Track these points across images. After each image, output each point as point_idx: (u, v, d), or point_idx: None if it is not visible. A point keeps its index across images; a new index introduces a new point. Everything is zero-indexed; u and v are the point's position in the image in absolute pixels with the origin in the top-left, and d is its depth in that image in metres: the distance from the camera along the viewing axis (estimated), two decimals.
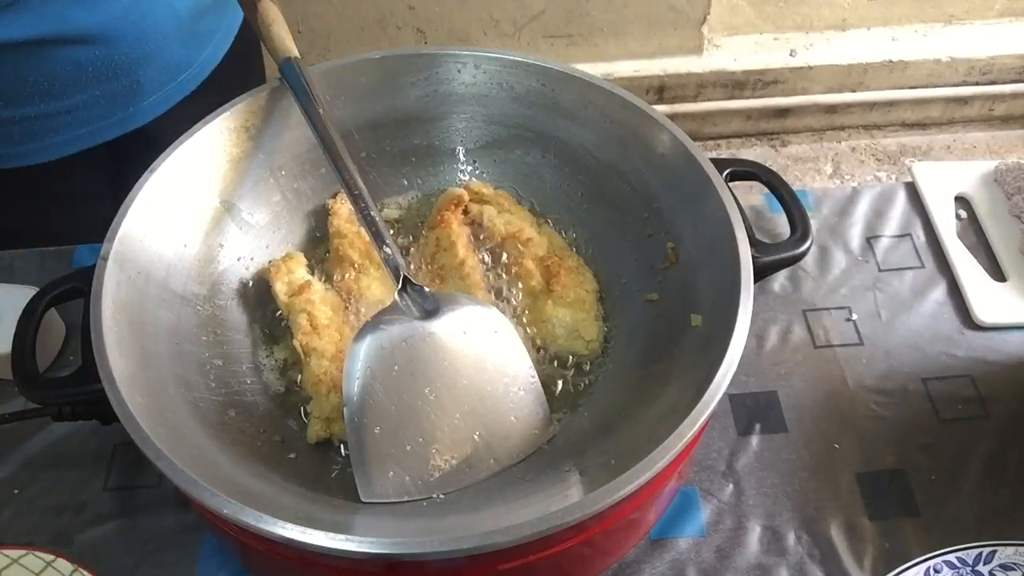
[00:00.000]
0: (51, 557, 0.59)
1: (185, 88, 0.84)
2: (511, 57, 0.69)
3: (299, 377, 0.62)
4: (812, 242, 0.62)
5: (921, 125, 2.06)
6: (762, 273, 0.59)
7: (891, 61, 1.92)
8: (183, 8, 0.81)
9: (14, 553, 0.59)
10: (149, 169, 0.60)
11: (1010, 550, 0.59)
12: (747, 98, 1.96)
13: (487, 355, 0.58)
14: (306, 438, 0.60)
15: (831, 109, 2.00)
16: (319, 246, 0.70)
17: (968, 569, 0.58)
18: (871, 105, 2.00)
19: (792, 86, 1.95)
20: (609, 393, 0.62)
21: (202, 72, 0.85)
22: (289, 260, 0.67)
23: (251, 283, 0.67)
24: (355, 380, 0.55)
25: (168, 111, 0.83)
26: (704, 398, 0.49)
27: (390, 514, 0.54)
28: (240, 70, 0.90)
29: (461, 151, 0.74)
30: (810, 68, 1.91)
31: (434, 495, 0.55)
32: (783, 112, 2.00)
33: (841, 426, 0.68)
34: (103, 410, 0.51)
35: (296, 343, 0.62)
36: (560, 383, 0.63)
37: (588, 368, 0.64)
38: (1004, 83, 1.98)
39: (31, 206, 0.85)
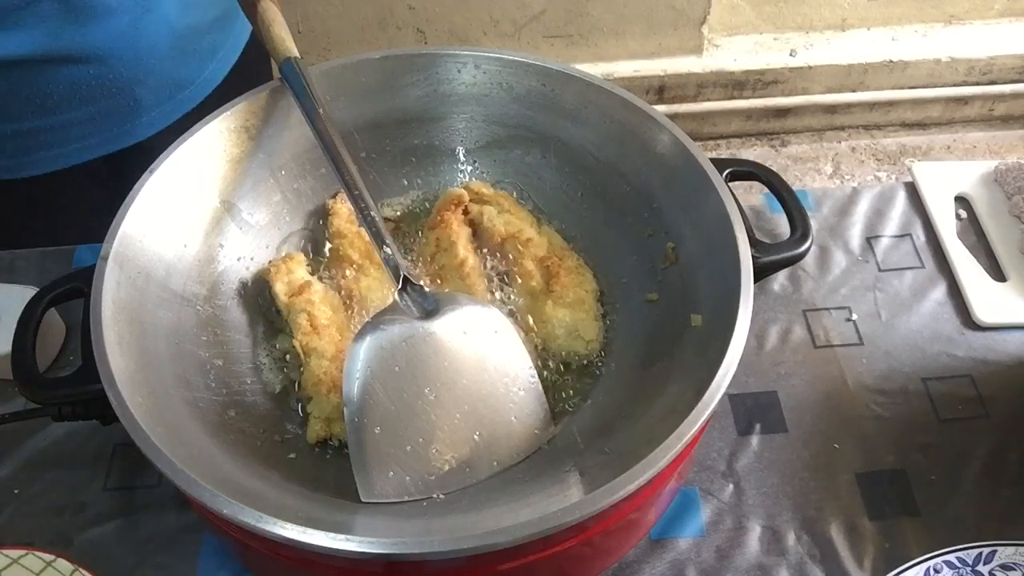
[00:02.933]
0: (51, 557, 0.59)
1: (185, 106, 0.83)
2: (511, 57, 0.69)
3: (299, 377, 0.62)
4: (812, 242, 0.62)
5: (921, 125, 2.06)
6: (762, 273, 0.59)
7: (891, 61, 1.92)
8: (181, 26, 0.80)
9: (14, 553, 0.59)
10: (149, 169, 0.60)
11: (1010, 550, 0.59)
12: (747, 98, 1.96)
13: (487, 355, 0.58)
14: (306, 438, 0.60)
15: (831, 109, 2.00)
16: (319, 246, 0.70)
17: (968, 569, 0.58)
18: (871, 105, 2.00)
19: (792, 86, 1.95)
20: (609, 393, 0.62)
21: (205, 89, 0.84)
22: (289, 260, 0.67)
23: (251, 283, 0.67)
24: (355, 380, 0.55)
25: (169, 126, 0.82)
26: (704, 398, 0.49)
27: (390, 514, 0.54)
28: (247, 86, 0.90)
29: (461, 151, 0.74)
30: (810, 68, 1.91)
31: (434, 495, 0.55)
32: (783, 112, 2.00)
33: (841, 426, 0.68)
34: (103, 410, 0.51)
35: (296, 343, 0.62)
36: (560, 383, 0.63)
37: (588, 368, 0.64)
38: (1004, 83, 1.98)
39: (27, 218, 0.84)
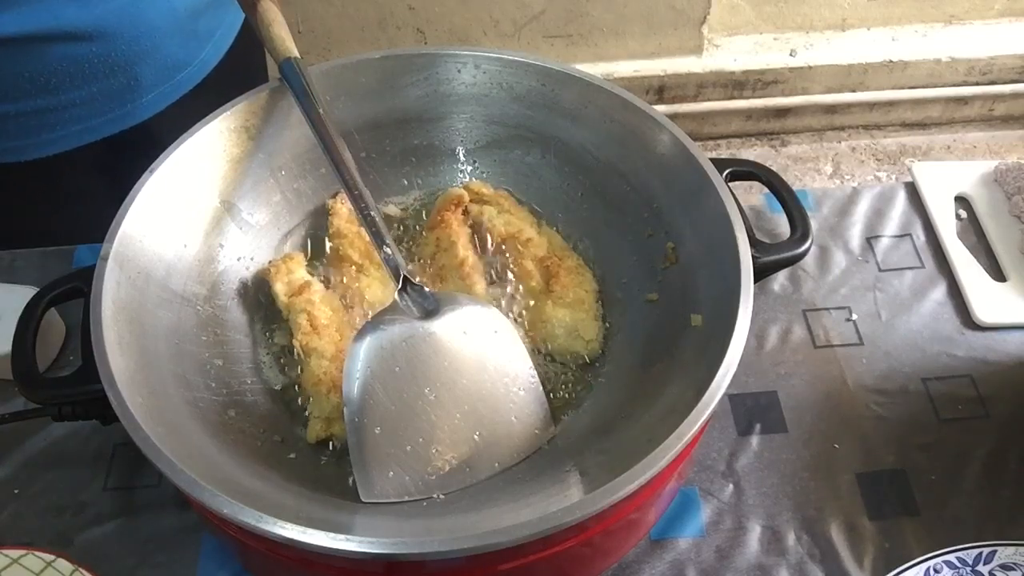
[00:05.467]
0: (51, 557, 0.59)
1: (184, 86, 0.84)
2: (511, 57, 0.69)
3: (299, 377, 0.62)
4: (812, 242, 0.62)
5: (921, 125, 2.06)
6: (762, 273, 0.59)
7: (891, 61, 1.92)
8: (181, 6, 0.81)
9: (14, 553, 0.59)
10: (149, 169, 0.60)
11: (1010, 550, 0.59)
12: (747, 98, 1.96)
13: (487, 355, 0.58)
14: (306, 438, 0.60)
15: (831, 109, 2.00)
16: (319, 246, 0.70)
17: (968, 569, 0.58)
18: (871, 105, 2.00)
19: (792, 86, 1.95)
20: (609, 393, 0.62)
21: (202, 70, 0.85)
22: (289, 260, 0.67)
23: (251, 283, 0.67)
24: (355, 380, 0.55)
25: (168, 108, 0.83)
26: (704, 398, 0.49)
27: (390, 514, 0.54)
28: (242, 68, 0.90)
29: (461, 151, 0.74)
30: (810, 68, 1.91)
31: (434, 495, 0.55)
32: (783, 112, 2.00)
33: (841, 426, 0.68)
34: (103, 410, 0.51)
35: (296, 343, 0.62)
36: (560, 383, 0.63)
37: (588, 368, 0.64)
38: (1004, 83, 1.98)
39: (29, 202, 0.85)
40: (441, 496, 0.55)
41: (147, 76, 0.80)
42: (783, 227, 0.80)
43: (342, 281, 0.67)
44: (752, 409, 0.69)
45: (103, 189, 0.83)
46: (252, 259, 0.68)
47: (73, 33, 0.73)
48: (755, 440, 0.67)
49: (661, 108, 1.55)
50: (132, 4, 0.76)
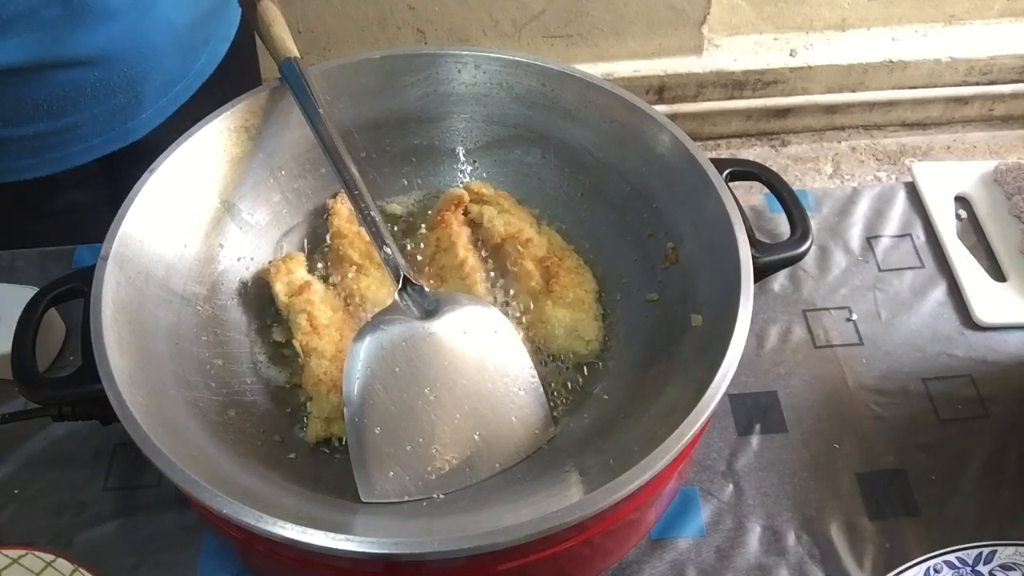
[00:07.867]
0: (51, 557, 0.59)
1: (181, 98, 0.83)
2: (511, 57, 0.69)
3: (299, 377, 0.62)
4: (812, 242, 0.62)
5: (921, 125, 2.06)
6: (762, 273, 0.59)
7: (891, 61, 1.92)
8: (181, 22, 0.80)
9: (14, 553, 0.59)
10: (149, 169, 0.60)
11: (1010, 550, 0.59)
12: (747, 98, 1.96)
13: (487, 355, 0.58)
14: (306, 438, 0.60)
15: (831, 109, 2.00)
16: (319, 246, 0.70)
17: (968, 569, 0.58)
18: (871, 105, 2.00)
19: (792, 86, 1.95)
20: (609, 393, 0.62)
21: (197, 80, 0.84)
22: (289, 260, 0.67)
23: (251, 283, 0.67)
24: (355, 380, 0.55)
25: (164, 122, 0.83)
26: (704, 398, 0.49)
27: (390, 514, 0.54)
28: (235, 75, 0.90)
29: (461, 151, 0.74)
30: (810, 68, 1.91)
31: (434, 495, 0.55)
32: (783, 112, 2.00)
33: (841, 426, 0.68)
34: (103, 410, 0.51)
35: (296, 343, 0.62)
36: (560, 383, 0.63)
37: (588, 368, 0.64)
38: (1004, 83, 1.98)
39: (28, 219, 0.84)
40: (441, 496, 0.55)
41: (148, 93, 0.80)
42: (783, 227, 0.80)
43: (342, 281, 0.67)
44: (752, 409, 0.69)
45: (101, 206, 0.83)
46: (252, 259, 0.68)
47: (78, 59, 0.73)
48: (755, 440, 0.67)
49: (661, 108, 1.55)
50: (134, 27, 0.75)
